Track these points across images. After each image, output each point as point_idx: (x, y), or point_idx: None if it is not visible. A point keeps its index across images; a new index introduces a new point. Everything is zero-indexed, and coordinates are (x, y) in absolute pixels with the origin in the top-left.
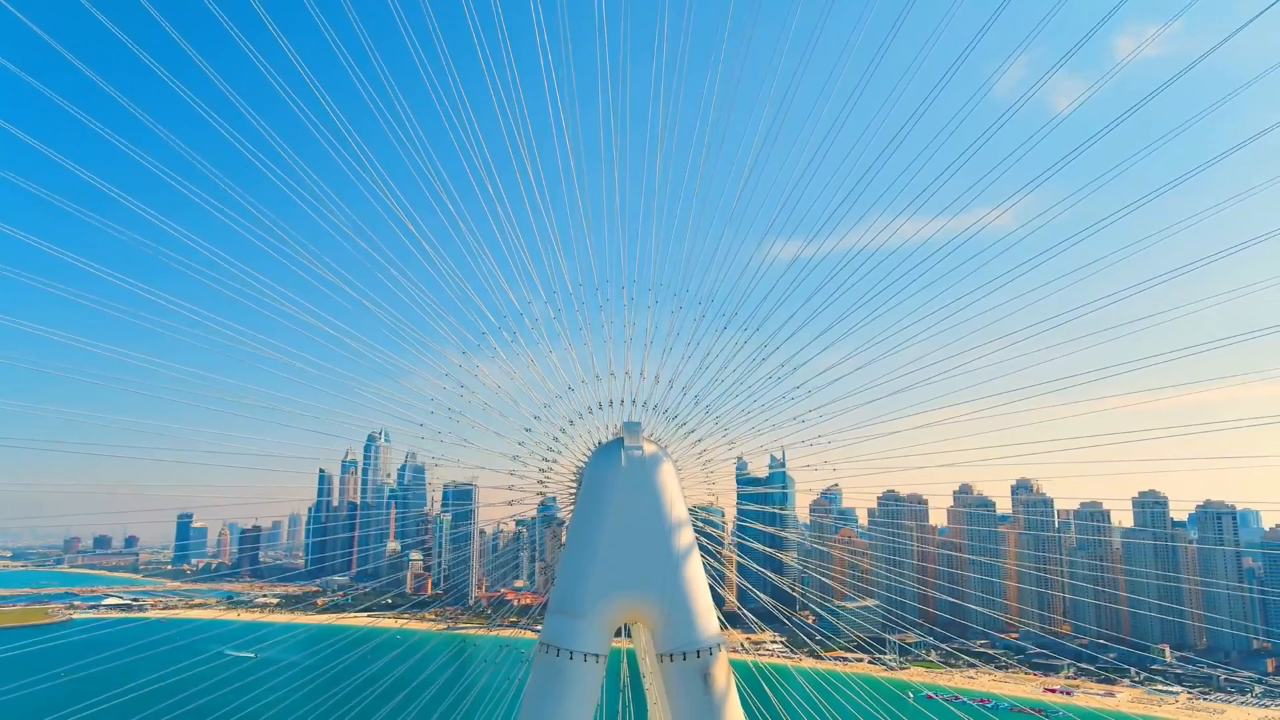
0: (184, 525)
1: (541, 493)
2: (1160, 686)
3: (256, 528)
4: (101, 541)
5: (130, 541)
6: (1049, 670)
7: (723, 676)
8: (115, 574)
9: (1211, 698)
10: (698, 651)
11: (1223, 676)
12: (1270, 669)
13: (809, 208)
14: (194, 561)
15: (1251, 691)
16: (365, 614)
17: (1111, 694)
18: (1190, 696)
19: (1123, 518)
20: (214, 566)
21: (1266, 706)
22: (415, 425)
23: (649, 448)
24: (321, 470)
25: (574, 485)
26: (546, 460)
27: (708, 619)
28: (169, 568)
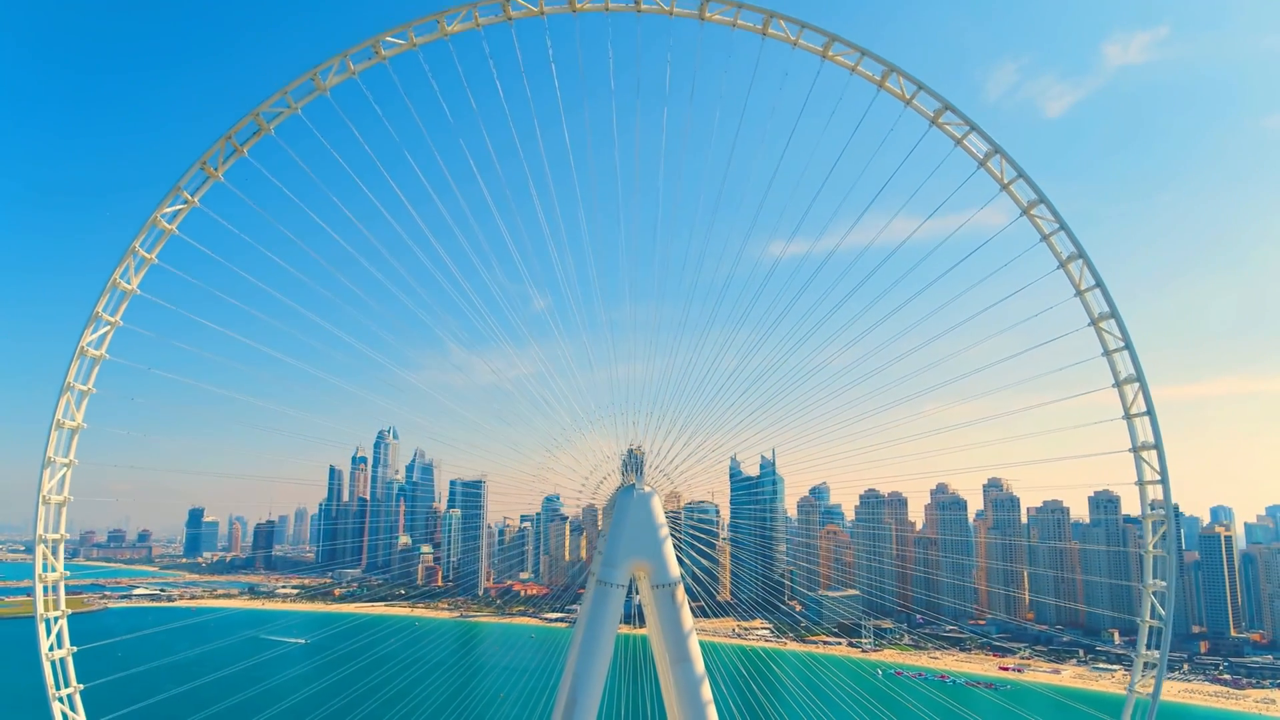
0: (195, 519)
1: (593, 498)
2: (1101, 665)
3: (270, 522)
4: (116, 536)
5: (143, 536)
6: (1008, 652)
7: (680, 595)
8: (131, 566)
9: (1145, 674)
10: (668, 584)
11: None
12: (1203, 650)
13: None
14: (207, 554)
15: (1180, 669)
16: (382, 604)
17: (1058, 671)
18: (1125, 673)
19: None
20: (228, 559)
21: (1189, 680)
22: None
23: (646, 489)
24: (332, 466)
25: (610, 503)
26: (597, 489)
27: (674, 568)
28: (184, 560)
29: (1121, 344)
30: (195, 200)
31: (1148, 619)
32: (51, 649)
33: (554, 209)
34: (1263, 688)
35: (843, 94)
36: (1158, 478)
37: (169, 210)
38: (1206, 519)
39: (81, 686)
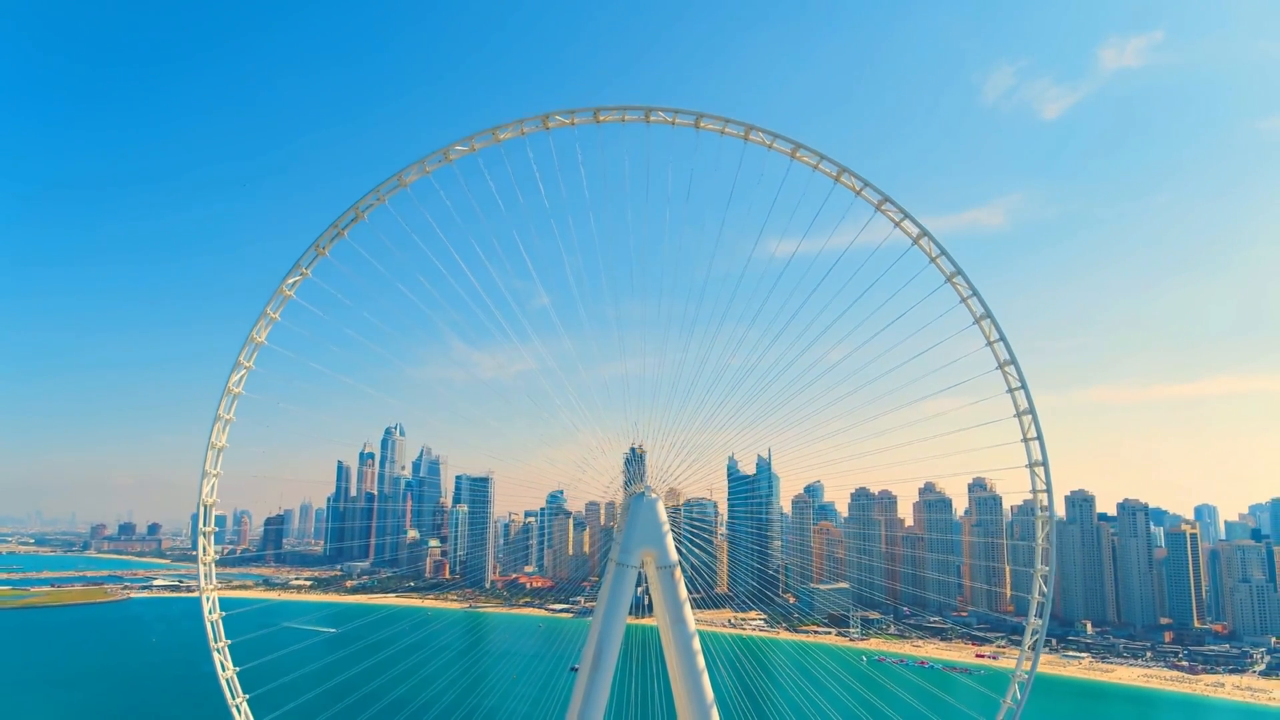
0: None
1: (614, 497)
2: (1070, 652)
3: (280, 516)
4: (126, 528)
5: (153, 528)
6: (985, 641)
7: (678, 574)
8: (142, 559)
9: (1110, 661)
10: (669, 565)
11: (1122, 645)
12: (1168, 639)
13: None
14: (216, 547)
15: (1144, 657)
16: (393, 595)
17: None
18: (1092, 660)
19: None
20: (239, 552)
21: (1149, 666)
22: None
23: (653, 495)
24: (339, 462)
25: (624, 504)
26: (616, 493)
27: (673, 554)
28: (194, 553)
29: (1019, 385)
30: (308, 272)
31: (1036, 596)
32: (210, 612)
33: (564, 213)
34: (1215, 673)
35: (809, 183)
36: (1044, 488)
37: (291, 281)
38: (1190, 516)
39: (230, 641)
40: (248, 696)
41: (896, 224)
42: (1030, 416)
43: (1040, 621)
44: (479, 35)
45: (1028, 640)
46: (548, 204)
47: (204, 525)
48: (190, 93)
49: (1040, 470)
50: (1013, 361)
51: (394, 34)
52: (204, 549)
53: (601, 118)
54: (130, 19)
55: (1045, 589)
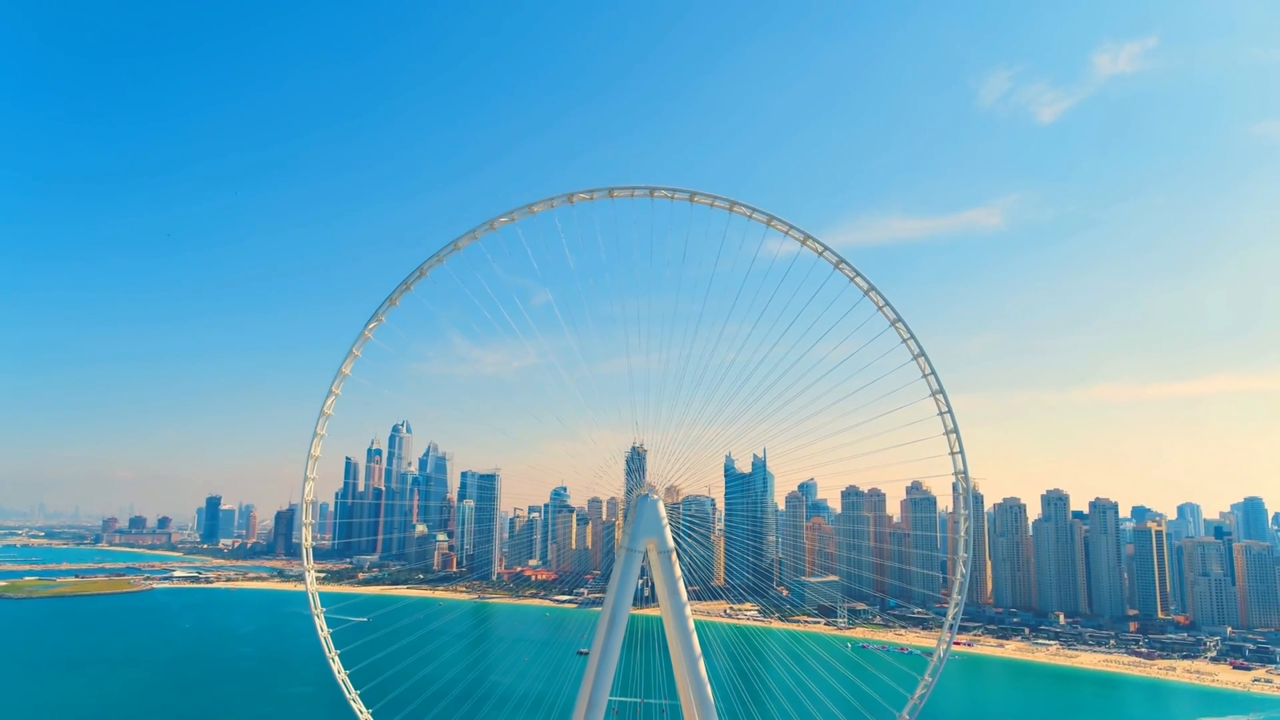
0: (213, 507)
1: (624, 496)
2: (1040, 640)
3: (289, 511)
4: (137, 522)
5: (163, 522)
6: (964, 630)
7: (674, 558)
8: (154, 551)
9: (1076, 648)
10: (667, 551)
11: (1089, 634)
12: (1132, 629)
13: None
14: (225, 541)
15: (1108, 644)
16: (404, 587)
17: (1002, 645)
18: (1060, 647)
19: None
20: (249, 545)
21: (1111, 653)
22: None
23: (654, 496)
24: (347, 458)
25: (632, 504)
26: (626, 494)
27: (670, 542)
28: (204, 546)
29: (947, 409)
30: (383, 318)
31: (956, 578)
32: (310, 585)
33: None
34: (1170, 659)
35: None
36: (964, 492)
37: (372, 326)
38: (1174, 515)
39: (325, 610)
40: (340, 652)
41: (850, 279)
42: (955, 435)
43: (960, 597)
44: (477, 33)
45: (950, 612)
46: (572, 263)
47: (305, 519)
48: (193, 87)
49: (962, 478)
50: (941, 391)
51: (395, 33)
52: (305, 538)
53: (615, 193)
54: (133, 13)
55: (964, 571)
